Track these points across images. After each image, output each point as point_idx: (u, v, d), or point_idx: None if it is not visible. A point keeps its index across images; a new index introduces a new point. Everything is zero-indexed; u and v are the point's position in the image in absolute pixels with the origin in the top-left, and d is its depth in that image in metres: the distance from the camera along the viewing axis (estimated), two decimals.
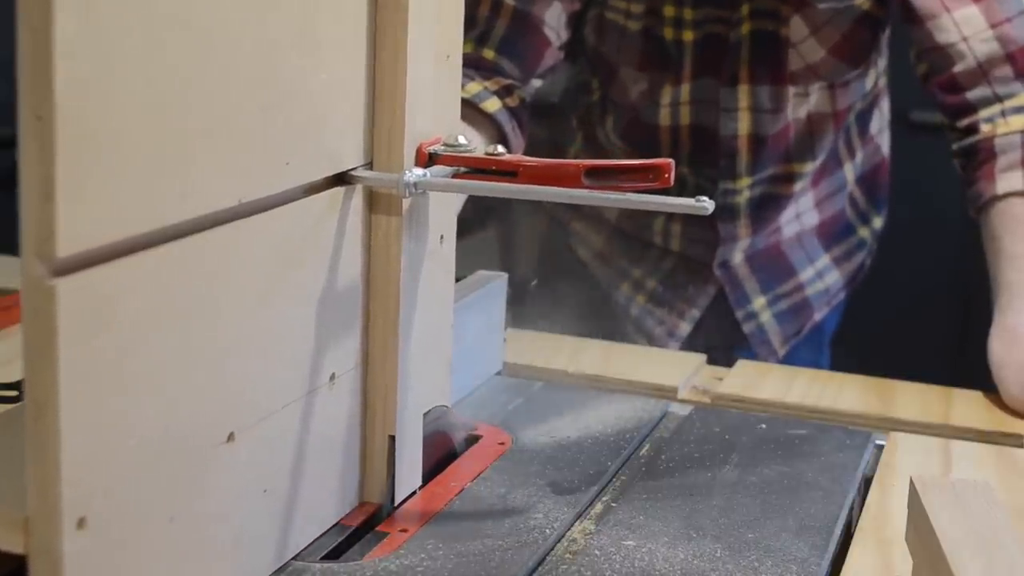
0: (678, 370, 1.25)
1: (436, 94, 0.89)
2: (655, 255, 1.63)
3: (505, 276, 1.20)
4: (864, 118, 1.60)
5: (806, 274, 1.64)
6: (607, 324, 1.54)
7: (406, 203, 0.86)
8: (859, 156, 1.63)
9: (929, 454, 1.09)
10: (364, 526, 0.89)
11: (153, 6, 0.64)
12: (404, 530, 0.88)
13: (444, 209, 0.92)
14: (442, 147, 0.88)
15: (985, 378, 1.22)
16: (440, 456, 0.99)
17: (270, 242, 0.77)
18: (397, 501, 0.90)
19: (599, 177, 0.82)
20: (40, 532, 0.62)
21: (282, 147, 0.77)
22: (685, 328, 1.63)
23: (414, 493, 0.93)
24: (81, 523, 0.63)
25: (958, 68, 1.32)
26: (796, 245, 1.62)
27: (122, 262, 0.64)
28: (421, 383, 0.92)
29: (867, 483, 1.03)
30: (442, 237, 0.92)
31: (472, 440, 1.04)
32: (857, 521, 0.96)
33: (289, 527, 0.82)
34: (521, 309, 1.41)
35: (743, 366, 1.28)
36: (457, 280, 1.16)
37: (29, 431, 0.61)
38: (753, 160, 1.50)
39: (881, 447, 1.10)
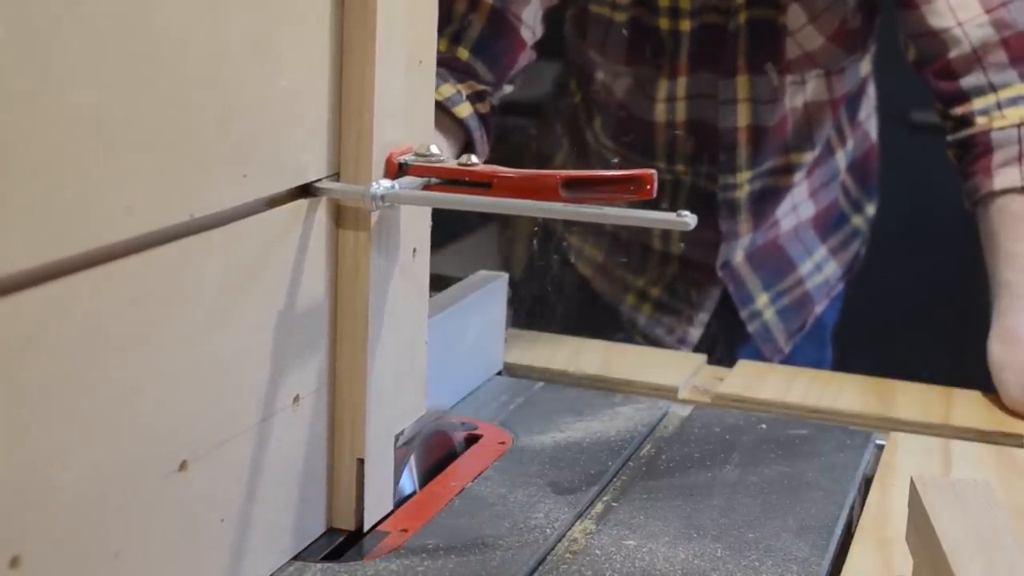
0: (678, 370, 1.25)
1: (407, 101, 0.85)
2: (657, 261, 1.62)
3: (506, 276, 1.20)
4: (853, 104, 1.59)
5: (805, 267, 1.63)
6: (615, 338, 1.53)
7: (375, 216, 0.82)
8: (850, 143, 1.62)
9: (929, 454, 1.09)
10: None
11: (93, 10, 0.60)
12: (405, 530, 0.88)
13: (417, 221, 0.88)
14: (413, 157, 0.84)
15: (985, 378, 1.22)
16: (440, 456, 0.99)
17: (226, 259, 0.72)
18: (367, 527, 0.87)
19: (578, 189, 0.79)
20: None
21: (239, 158, 0.72)
22: (696, 334, 1.62)
23: (385, 518, 0.89)
24: (14, 562, 0.59)
25: (953, 54, 1.31)
26: (794, 239, 1.62)
27: (58, 284, 0.60)
28: (392, 404, 0.88)
29: (867, 483, 1.03)
30: (415, 250, 0.88)
31: (472, 440, 1.04)
32: (857, 521, 0.96)
33: (248, 558, 0.78)
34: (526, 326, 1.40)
35: (743, 366, 1.28)
36: (457, 280, 1.17)
37: None
38: (753, 152, 1.49)
39: (881, 447, 1.10)
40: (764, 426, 1.10)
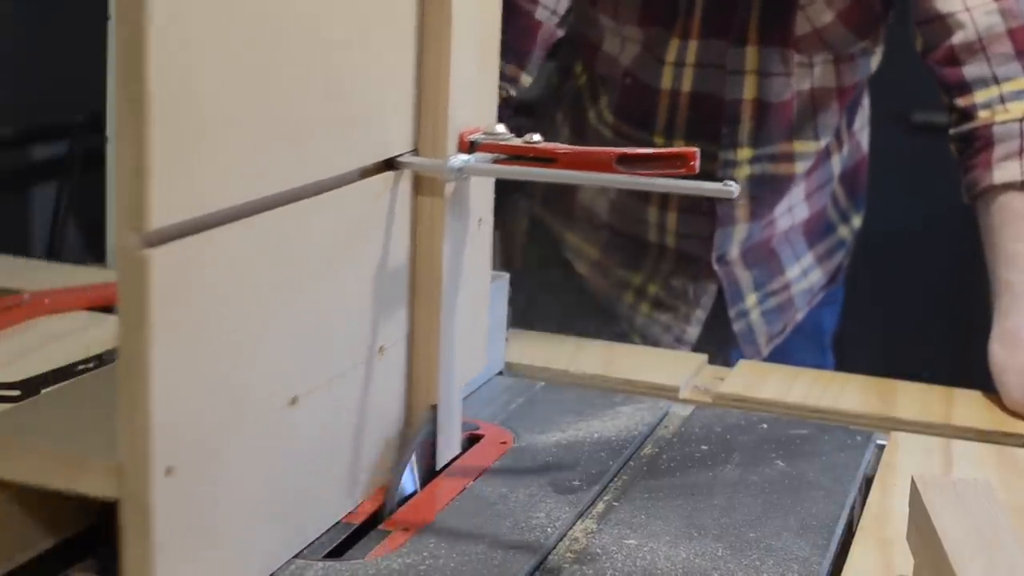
0: (679, 370, 1.25)
1: (476, 86, 0.96)
2: (653, 256, 1.61)
3: (507, 276, 1.20)
4: (851, 110, 1.59)
5: (793, 272, 1.63)
6: (612, 338, 1.52)
7: (449, 187, 0.93)
8: (845, 149, 1.62)
9: (930, 454, 1.09)
10: (367, 524, 0.89)
11: (231, 2, 0.71)
12: (406, 529, 0.88)
13: (483, 195, 1.00)
14: (482, 136, 0.94)
15: (985, 378, 1.22)
16: None
17: (330, 220, 0.84)
18: (438, 466, 0.96)
19: (630, 164, 0.87)
20: (131, 479, 0.68)
21: (340, 133, 0.84)
22: (693, 332, 1.60)
23: (455, 459, 0.98)
24: (169, 471, 0.69)
25: (957, 39, 1.30)
26: (785, 242, 1.61)
27: (205, 235, 0.71)
28: (461, 356, 0.98)
29: (868, 483, 1.03)
30: (480, 220, 0.99)
31: (474, 439, 1.05)
32: (858, 521, 0.96)
33: (339, 488, 0.88)
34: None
35: (744, 366, 1.28)
36: None
37: (121, 387, 0.67)
38: (756, 129, 1.47)
39: (882, 447, 1.10)
40: (765, 426, 1.10)
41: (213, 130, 0.70)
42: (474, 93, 0.96)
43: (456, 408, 0.98)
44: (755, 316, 1.61)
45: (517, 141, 0.93)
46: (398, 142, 0.91)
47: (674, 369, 1.25)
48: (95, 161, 1.64)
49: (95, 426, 0.74)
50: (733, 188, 0.82)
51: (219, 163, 0.71)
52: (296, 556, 0.83)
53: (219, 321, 0.72)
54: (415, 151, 0.93)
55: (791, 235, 1.62)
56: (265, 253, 0.77)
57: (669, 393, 1.20)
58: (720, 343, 1.60)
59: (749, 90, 1.46)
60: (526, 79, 1.40)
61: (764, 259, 1.61)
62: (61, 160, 2.04)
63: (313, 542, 0.85)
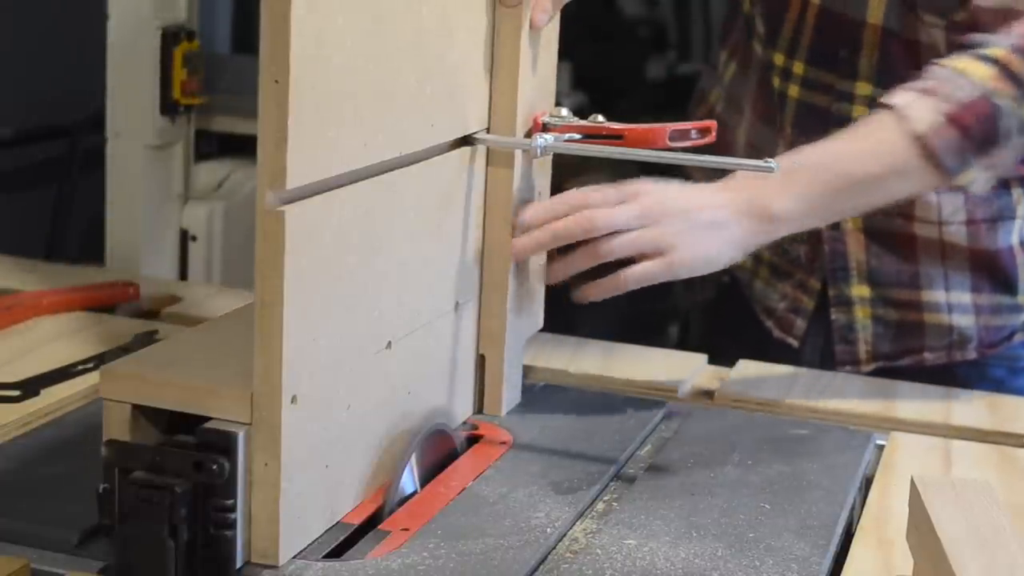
0: (679, 370, 1.25)
1: (541, 73, 1.08)
2: None
3: None
4: None
5: (931, 295, 1.36)
6: (753, 330, 1.40)
7: (519, 163, 1.05)
8: None
9: (929, 454, 1.09)
10: (367, 524, 0.89)
11: (363, 12, 0.84)
12: (406, 529, 0.88)
13: (543, 170, 1.11)
14: (550, 117, 1.05)
15: None
16: (441, 455, 1.00)
17: (419, 189, 0.95)
18: (504, 411, 1.09)
19: (677, 137, 1.02)
20: (263, 406, 0.80)
21: (428, 112, 0.95)
22: (809, 302, 1.39)
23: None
24: (294, 400, 0.81)
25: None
26: (936, 260, 1.35)
27: (323, 196, 0.83)
28: (524, 313, 1.11)
29: (868, 483, 1.04)
30: (540, 193, 1.11)
31: (473, 440, 1.05)
32: (858, 520, 0.96)
33: (421, 423, 0.98)
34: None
35: (744, 366, 1.28)
36: None
37: (258, 325, 0.79)
38: (879, 63, 1.31)
39: (882, 447, 1.10)
40: (765, 426, 1.10)
41: (334, 108, 0.82)
42: (540, 77, 1.08)
43: (519, 360, 1.12)
44: (861, 315, 1.37)
45: (585, 122, 1.03)
46: (474, 121, 1.03)
47: (674, 369, 1.25)
48: (95, 161, 1.64)
49: (221, 362, 0.85)
50: (772, 164, 0.88)
51: (335, 136, 0.83)
52: (296, 556, 0.83)
53: (332, 271, 0.84)
54: (487, 129, 1.04)
55: (948, 258, 1.35)
56: (367, 216, 0.88)
57: (669, 393, 1.20)
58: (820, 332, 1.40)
59: (874, 12, 1.30)
60: None
61: (895, 254, 1.36)
62: (61, 160, 2.04)
63: (313, 542, 0.85)
